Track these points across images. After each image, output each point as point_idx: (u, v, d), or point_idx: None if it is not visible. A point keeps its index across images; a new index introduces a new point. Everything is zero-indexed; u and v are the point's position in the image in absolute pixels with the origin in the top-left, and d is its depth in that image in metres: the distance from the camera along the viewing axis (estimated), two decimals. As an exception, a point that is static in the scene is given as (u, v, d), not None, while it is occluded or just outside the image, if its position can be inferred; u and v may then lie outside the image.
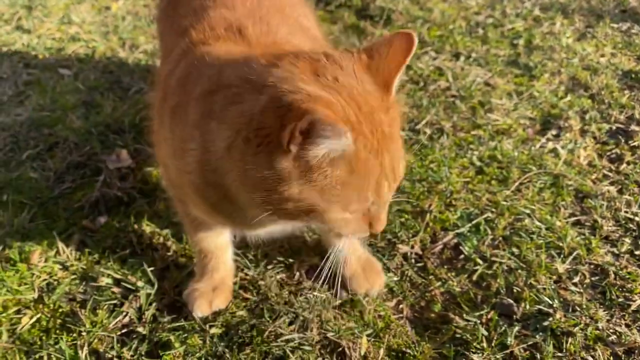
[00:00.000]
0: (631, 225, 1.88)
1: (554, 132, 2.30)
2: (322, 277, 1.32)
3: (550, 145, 2.22)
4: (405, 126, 2.29)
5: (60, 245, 1.79)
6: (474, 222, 1.87)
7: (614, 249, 1.80)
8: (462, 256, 1.78)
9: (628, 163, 2.14)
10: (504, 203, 1.94)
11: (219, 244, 1.60)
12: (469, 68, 2.70)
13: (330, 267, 1.30)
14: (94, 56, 2.82)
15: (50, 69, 2.71)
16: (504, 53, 2.82)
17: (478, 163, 2.13)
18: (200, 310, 1.58)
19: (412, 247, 1.81)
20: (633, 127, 2.32)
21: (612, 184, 2.05)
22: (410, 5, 3.28)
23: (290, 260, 1.75)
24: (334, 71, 1.02)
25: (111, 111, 2.39)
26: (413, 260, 1.77)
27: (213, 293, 1.58)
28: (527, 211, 1.91)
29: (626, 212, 1.93)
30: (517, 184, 2.02)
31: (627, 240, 1.83)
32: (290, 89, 0.98)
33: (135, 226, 1.87)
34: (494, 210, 1.92)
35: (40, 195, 1.99)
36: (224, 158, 1.08)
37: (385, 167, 1.04)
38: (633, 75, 2.65)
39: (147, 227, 1.86)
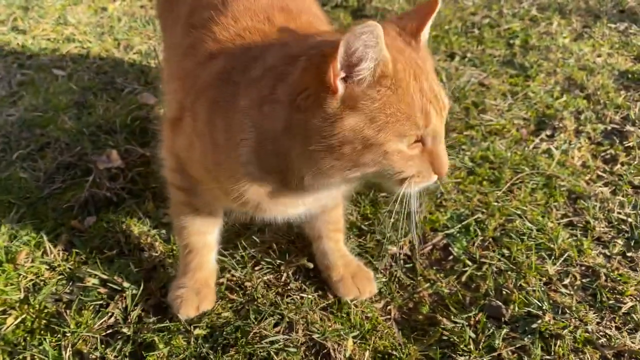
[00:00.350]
0: (624, 227, 1.86)
1: (548, 132, 2.28)
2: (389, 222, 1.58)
3: (544, 145, 2.20)
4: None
5: (48, 245, 1.78)
6: (464, 223, 1.85)
7: (606, 251, 1.78)
8: (451, 257, 1.77)
9: (622, 164, 2.12)
10: (495, 204, 1.92)
11: (207, 242, 1.59)
12: (464, 68, 2.68)
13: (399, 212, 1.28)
14: (88, 57, 2.82)
15: (44, 70, 2.71)
16: (499, 53, 2.81)
17: (470, 164, 2.11)
18: (187, 314, 1.56)
19: (401, 247, 1.79)
20: (628, 127, 2.30)
21: (605, 184, 2.03)
22: (406, 5, 3.27)
23: (278, 261, 1.73)
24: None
25: (103, 112, 2.38)
26: (402, 261, 1.75)
27: (197, 296, 1.56)
28: (519, 212, 1.89)
29: (619, 213, 1.90)
30: (508, 184, 2.00)
31: (620, 241, 1.80)
32: (320, 46, 1.09)
33: (124, 227, 1.86)
34: (484, 211, 1.90)
35: (29, 195, 1.98)
36: (285, 135, 1.13)
37: (426, 92, 1.09)
38: (629, 76, 2.62)
39: (136, 228, 1.85)
